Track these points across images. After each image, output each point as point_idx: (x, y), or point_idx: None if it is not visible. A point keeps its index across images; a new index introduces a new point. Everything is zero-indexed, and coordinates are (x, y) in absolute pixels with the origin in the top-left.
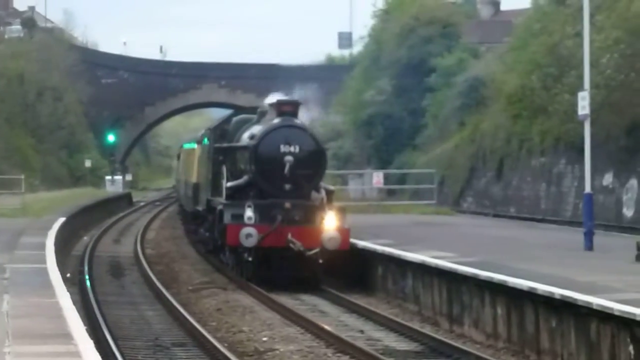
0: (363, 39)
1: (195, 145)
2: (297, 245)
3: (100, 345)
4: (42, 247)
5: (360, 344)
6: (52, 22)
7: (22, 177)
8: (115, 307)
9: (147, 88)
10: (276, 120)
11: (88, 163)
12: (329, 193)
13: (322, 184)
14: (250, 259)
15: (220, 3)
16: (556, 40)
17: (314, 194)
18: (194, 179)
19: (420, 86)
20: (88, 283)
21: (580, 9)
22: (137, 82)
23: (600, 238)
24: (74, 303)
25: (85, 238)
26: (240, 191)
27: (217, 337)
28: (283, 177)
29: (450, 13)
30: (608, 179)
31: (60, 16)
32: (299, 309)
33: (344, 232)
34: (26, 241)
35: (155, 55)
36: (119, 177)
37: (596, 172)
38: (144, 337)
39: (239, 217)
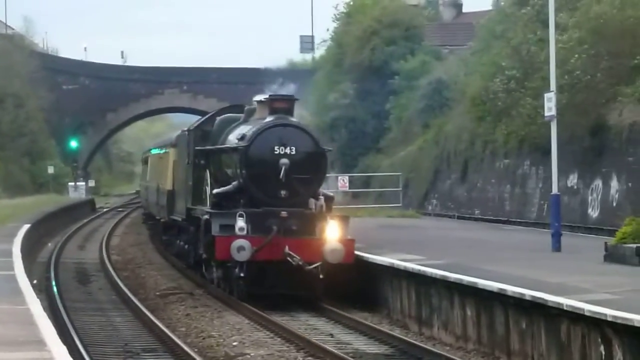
0: (325, 42)
1: (168, 150)
2: (296, 259)
3: (71, 351)
4: (9, 254)
5: (329, 347)
6: (12, 29)
7: None
8: (83, 313)
9: (109, 94)
10: (269, 119)
11: (51, 170)
12: (329, 200)
13: (321, 190)
14: (242, 274)
15: (180, 8)
16: (518, 43)
17: (311, 201)
18: (167, 185)
19: (383, 89)
20: (55, 290)
21: (540, 11)
22: (98, 88)
23: (567, 239)
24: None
25: (49, 245)
26: (229, 199)
27: (187, 342)
28: (278, 182)
29: (413, 15)
30: (573, 179)
31: (20, 22)
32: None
33: (348, 244)
34: None
35: (117, 61)
36: (81, 184)
37: (561, 173)
38: (114, 343)
39: (228, 228)
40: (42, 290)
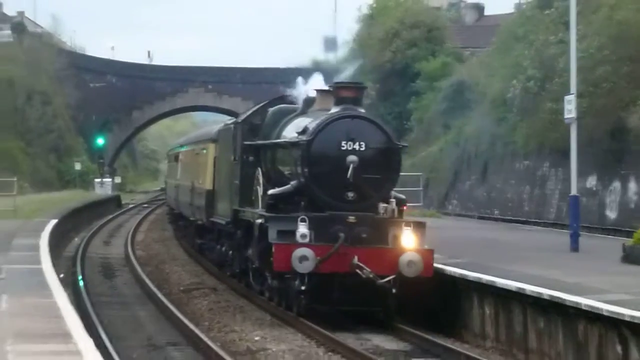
0: (347, 43)
1: (207, 146)
2: (366, 271)
3: (96, 344)
4: (36, 248)
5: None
6: (41, 27)
7: (15, 179)
8: (108, 307)
9: (135, 92)
10: (334, 109)
11: (78, 166)
12: (401, 203)
13: (393, 192)
14: (303, 288)
15: (205, 8)
16: (540, 44)
17: (381, 205)
18: (207, 184)
19: (405, 90)
20: (81, 283)
21: (562, 15)
22: (124, 86)
23: (585, 239)
24: None
25: (76, 239)
26: (286, 201)
27: (212, 336)
28: (345, 183)
29: (435, 17)
30: (592, 181)
31: (49, 21)
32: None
33: (427, 255)
34: (20, 242)
35: (143, 60)
36: (108, 180)
37: (580, 174)
38: (138, 337)
39: (287, 235)
40: (69, 284)
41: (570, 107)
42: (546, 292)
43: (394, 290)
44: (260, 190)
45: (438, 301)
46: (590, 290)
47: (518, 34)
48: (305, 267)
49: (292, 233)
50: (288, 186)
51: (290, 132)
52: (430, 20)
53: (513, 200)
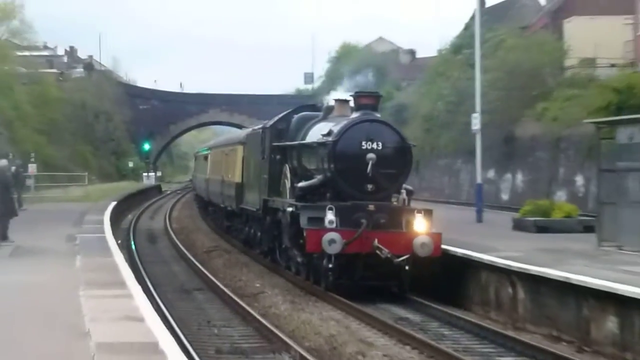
0: (321, 77)
1: (236, 147)
2: (385, 252)
3: (144, 289)
4: (101, 222)
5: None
6: (104, 66)
7: (86, 174)
8: (152, 264)
9: (171, 112)
10: (355, 115)
11: (130, 164)
12: (409, 194)
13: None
14: (330, 266)
15: (212, 50)
16: (454, 79)
17: (394, 195)
18: (236, 178)
19: None
20: (133, 247)
21: (468, 58)
22: (163, 107)
23: (487, 214)
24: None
25: (129, 216)
26: (313, 192)
27: (225, 283)
28: (365, 176)
29: (381, 59)
30: (491, 173)
31: (111, 61)
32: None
33: (436, 237)
34: (89, 218)
35: (176, 88)
36: (152, 174)
37: (483, 168)
38: (173, 285)
39: (317, 221)
40: (124, 248)
41: (475, 122)
42: (459, 250)
43: (407, 267)
44: (288, 184)
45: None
46: (491, 249)
47: (440, 71)
48: (333, 249)
49: (320, 219)
50: (314, 180)
51: (315, 134)
52: (378, 62)
53: (437, 186)
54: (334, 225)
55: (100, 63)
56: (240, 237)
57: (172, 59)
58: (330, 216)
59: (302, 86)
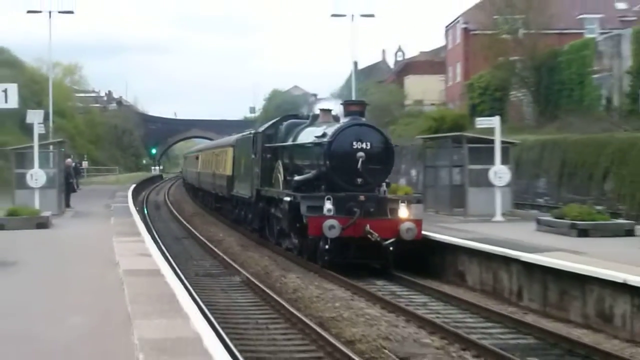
0: (259, 110)
1: (226, 149)
2: (375, 235)
3: (152, 238)
4: (126, 197)
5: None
6: (128, 102)
7: (117, 167)
8: (157, 222)
9: (169, 130)
10: (346, 119)
11: (144, 161)
12: (387, 186)
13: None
14: (327, 247)
15: (196, 89)
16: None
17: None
18: (227, 172)
19: None
20: (146, 211)
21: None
22: (164, 127)
23: None
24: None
25: (143, 193)
26: (307, 185)
27: (201, 234)
28: (355, 171)
29: (296, 100)
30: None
31: (133, 98)
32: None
33: (419, 224)
34: (119, 194)
35: (172, 115)
36: (157, 167)
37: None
38: (171, 235)
39: (315, 209)
40: (140, 212)
41: None
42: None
43: (391, 249)
44: (281, 177)
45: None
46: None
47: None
48: (332, 234)
49: (319, 208)
50: (309, 174)
51: (307, 136)
52: (293, 100)
53: None
54: (331, 213)
55: (126, 100)
56: (230, 217)
57: (171, 96)
58: (328, 205)
59: (248, 115)
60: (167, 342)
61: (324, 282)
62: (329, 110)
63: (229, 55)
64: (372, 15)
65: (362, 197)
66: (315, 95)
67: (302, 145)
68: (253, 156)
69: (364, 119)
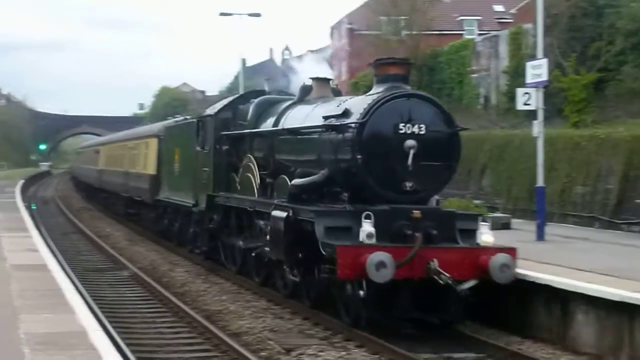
0: (149, 106)
1: (146, 141)
2: (445, 277)
3: (40, 233)
4: (14, 192)
5: None
6: (17, 98)
7: (5, 163)
8: (45, 217)
9: (59, 126)
10: (379, 88)
11: (33, 157)
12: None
13: None
14: (362, 293)
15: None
16: None
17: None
18: (149, 170)
19: None
20: (34, 207)
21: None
22: (53, 124)
23: None
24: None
25: (32, 188)
26: (310, 191)
27: (89, 229)
28: (403, 170)
29: (184, 97)
30: None
31: (22, 95)
32: None
33: (513, 254)
34: (7, 189)
35: (62, 112)
36: (46, 163)
37: None
38: (59, 229)
39: (339, 232)
40: (28, 207)
41: None
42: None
43: (465, 294)
44: (254, 179)
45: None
46: None
47: None
48: (383, 276)
49: (343, 231)
50: (316, 176)
51: (301, 118)
52: (181, 97)
53: None
54: (373, 240)
55: (15, 97)
56: (155, 228)
57: (63, 94)
58: (367, 227)
59: (137, 111)
60: (53, 336)
61: (210, 276)
62: (327, 81)
63: (121, 53)
64: (258, 15)
65: (416, 213)
66: (203, 92)
67: (299, 132)
68: (199, 149)
69: (408, 87)
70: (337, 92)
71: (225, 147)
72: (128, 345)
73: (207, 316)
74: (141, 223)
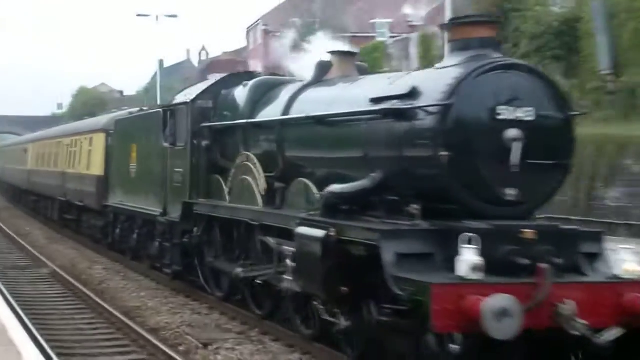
0: (67, 106)
1: (90, 136)
2: (580, 325)
3: None
4: None
5: None
6: None
7: None
8: None
9: None
10: (462, 58)
11: None
12: None
13: None
14: (454, 347)
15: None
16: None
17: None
18: (96, 171)
19: None
20: None
21: (150, 97)
22: None
23: None
24: None
25: None
26: (355, 201)
27: (8, 228)
28: (505, 173)
29: (103, 97)
30: None
31: None
32: None
33: None
34: None
35: None
36: None
37: None
38: None
39: (416, 262)
40: None
41: None
42: None
43: (605, 348)
44: (256, 184)
45: None
46: None
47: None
48: (507, 329)
49: (417, 258)
50: (365, 180)
51: (313, 105)
52: (100, 97)
53: None
54: (482, 275)
55: None
56: (104, 240)
57: None
58: (471, 256)
59: (56, 111)
60: None
61: (129, 273)
62: (352, 55)
63: (35, 52)
64: (175, 16)
65: (530, 233)
66: (121, 92)
67: (332, 121)
68: (167, 145)
69: (500, 55)
70: (363, 71)
71: (205, 143)
72: (47, 341)
73: (125, 312)
74: (81, 231)
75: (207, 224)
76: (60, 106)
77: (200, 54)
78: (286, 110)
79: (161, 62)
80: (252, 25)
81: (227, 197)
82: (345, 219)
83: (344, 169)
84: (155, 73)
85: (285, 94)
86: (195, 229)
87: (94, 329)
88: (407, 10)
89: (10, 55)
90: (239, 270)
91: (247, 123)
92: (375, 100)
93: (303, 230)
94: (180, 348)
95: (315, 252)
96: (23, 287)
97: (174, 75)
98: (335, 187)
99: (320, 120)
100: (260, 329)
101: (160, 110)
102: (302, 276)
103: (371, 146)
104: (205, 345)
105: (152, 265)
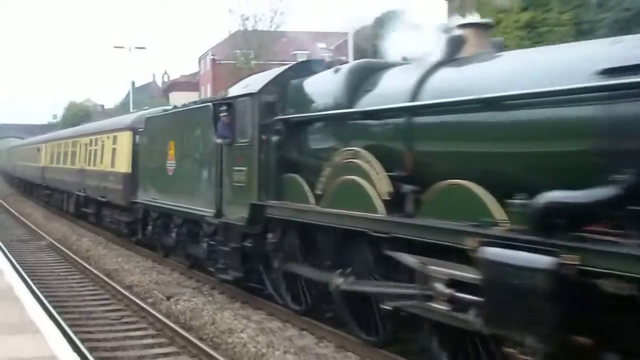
0: (60, 117)
1: (114, 135)
2: None
3: None
4: None
5: None
6: None
7: None
8: None
9: None
10: None
11: None
12: None
13: None
14: None
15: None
16: None
17: None
18: (122, 169)
19: None
20: None
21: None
22: None
23: None
24: None
25: None
26: (585, 214)
27: (14, 210)
28: None
29: (89, 110)
30: None
31: None
32: None
33: None
34: None
35: None
36: None
37: None
38: None
39: None
40: None
41: None
42: None
43: None
44: (377, 186)
45: None
46: None
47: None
48: None
49: None
50: (607, 188)
51: (435, 91)
52: (84, 109)
53: None
54: None
55: None
56: (136, 237)
57: None
58: None
59: (51, 120)
60: None
61: (110, 244)
62: (488, 28)
63: (34, 72)
64: (144, 48)
65: None
66: (102, 106)
67: (510, 104)
68: (220, 141)
69: None
70: (499, 46)
71: (276, 138)
72: (46, 297)
73: (106, 274)
74: (102, 224)
75: (283, 227)
76: (54, 116)
77: (163, 76)
78: (414, 96)
79: (133, 82)
80: (203, 54)
81: (311, 200)
82: (569, 240)
83: (541, 168)
84: (129, 91)
85: (405, 77)
86: (270, 235)
87: (83, 286)
88: (321, 44)
89: (13, 74)
90: (339, 280)
91: (350, 112)
92: (611, 72)
93: (499, 253)
94: (149, 300)
95: (537, 286)
96: (26, 256)
97: (143, 93)
98: (556, 196)
99: (490, 103)
100: (210, 285)
101: (210, 104)
102: (502, 316)
103: (612, 136)
104: (168, 298)
105: (211, 270)
